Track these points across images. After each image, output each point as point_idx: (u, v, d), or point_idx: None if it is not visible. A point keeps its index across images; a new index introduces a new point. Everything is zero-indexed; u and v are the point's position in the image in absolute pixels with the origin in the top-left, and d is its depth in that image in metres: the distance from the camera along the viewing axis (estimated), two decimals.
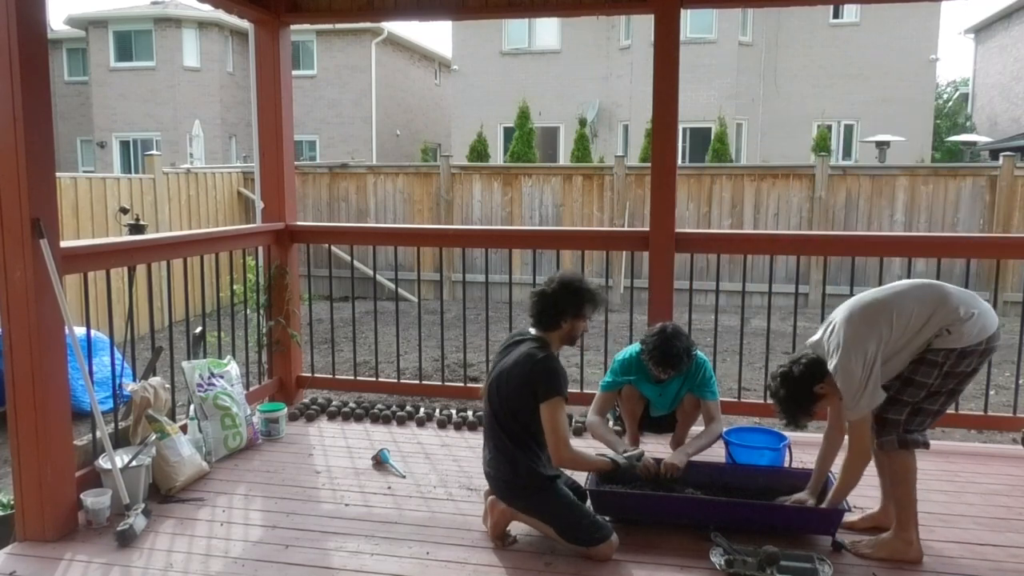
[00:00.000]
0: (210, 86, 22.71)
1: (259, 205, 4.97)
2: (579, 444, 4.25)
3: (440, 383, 5.24)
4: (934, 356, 2.81)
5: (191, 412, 4.00)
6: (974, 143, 21.70)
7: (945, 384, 2.86)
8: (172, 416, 3.94)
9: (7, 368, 3.03)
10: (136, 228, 5.06)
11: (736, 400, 4.71)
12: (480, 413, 4.56)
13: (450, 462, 4.00)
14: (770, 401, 3.11)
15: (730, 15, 18.95)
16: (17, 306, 3.00)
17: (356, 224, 11.45)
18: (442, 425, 4.54)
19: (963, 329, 2.79)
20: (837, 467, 3.17)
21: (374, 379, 5.27)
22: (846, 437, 3.01)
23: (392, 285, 10.73)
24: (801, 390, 2.95)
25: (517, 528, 3.21)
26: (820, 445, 3.21)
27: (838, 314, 2.95)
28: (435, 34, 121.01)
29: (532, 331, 3.16)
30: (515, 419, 3.05)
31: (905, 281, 3.01)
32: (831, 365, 2.88)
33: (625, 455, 3.26)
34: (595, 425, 3.79)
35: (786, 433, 3.97)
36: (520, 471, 3.03)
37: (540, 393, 2.98)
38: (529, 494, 3.03)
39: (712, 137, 16.59)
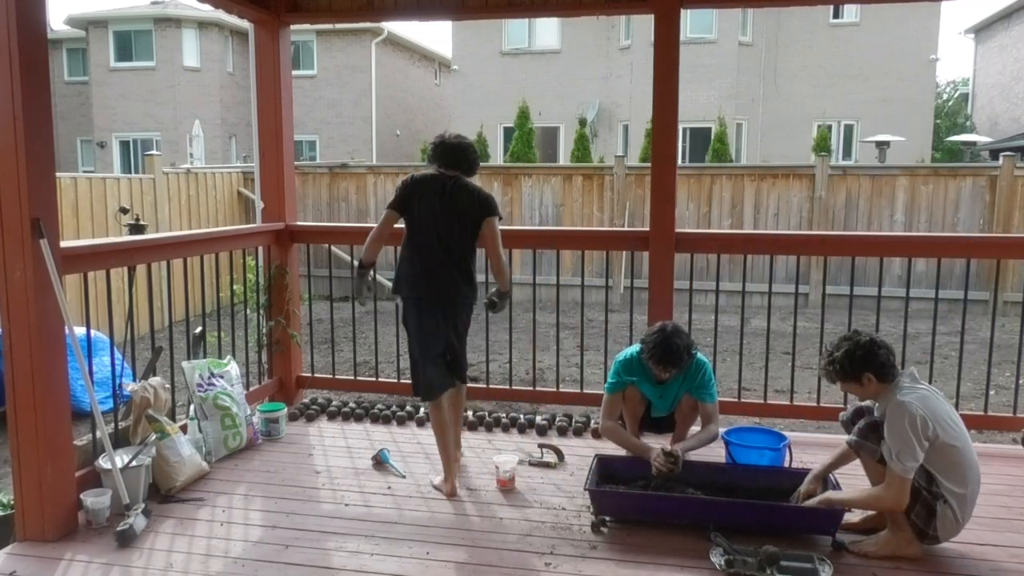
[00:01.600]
0: (210, 86, 22.70)
1: (259, 205, 4.97)
2: (579, 443, 4.26)
3: None
4: (929, 484, 2.90)
5: (191, 412, 4.01)
6: (974, 143, 21.69)
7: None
8: (172, 416, 3.94)
9: (7, 368, 3.04)
10: (136, 228, 5.06)
11: (736, 400, 4.71)
12: (480, 413, 4.57)
13: None
14: (830, 342, 3.11)
15: (730, 15, 18.95)
16: (17, 306, 3.00)
17: (356, 224, 11.42)
18: None
19: (950, 513, 2.89)
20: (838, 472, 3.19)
21: (374, 379, 5.27)
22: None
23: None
24: (858, 362, 2.97)
25: (515, 527, 3.22)
26: (835, 452, 3.23)
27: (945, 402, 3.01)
28: (435, 34, 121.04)
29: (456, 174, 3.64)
30: (467, 242, 3.65)
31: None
32: (907, 396, 2.89)
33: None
34: (612, 430, 3.79)
35: (786, 433, 3.98)
36: (473, 283, 3.73)
37: (490, 209, 3.63)
38: (470, 304, 3.76)
39: (712, 137, 16.58)
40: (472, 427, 4.50)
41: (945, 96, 31.26)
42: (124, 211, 5.95)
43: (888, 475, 2.86)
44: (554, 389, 5.04)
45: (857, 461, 3.10)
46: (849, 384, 3.04)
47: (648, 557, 3.00)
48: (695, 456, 3.70)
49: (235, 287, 4.95)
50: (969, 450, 2.95)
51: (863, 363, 2.96)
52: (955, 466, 2.89)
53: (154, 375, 3.96)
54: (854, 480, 3.21)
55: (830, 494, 3.12)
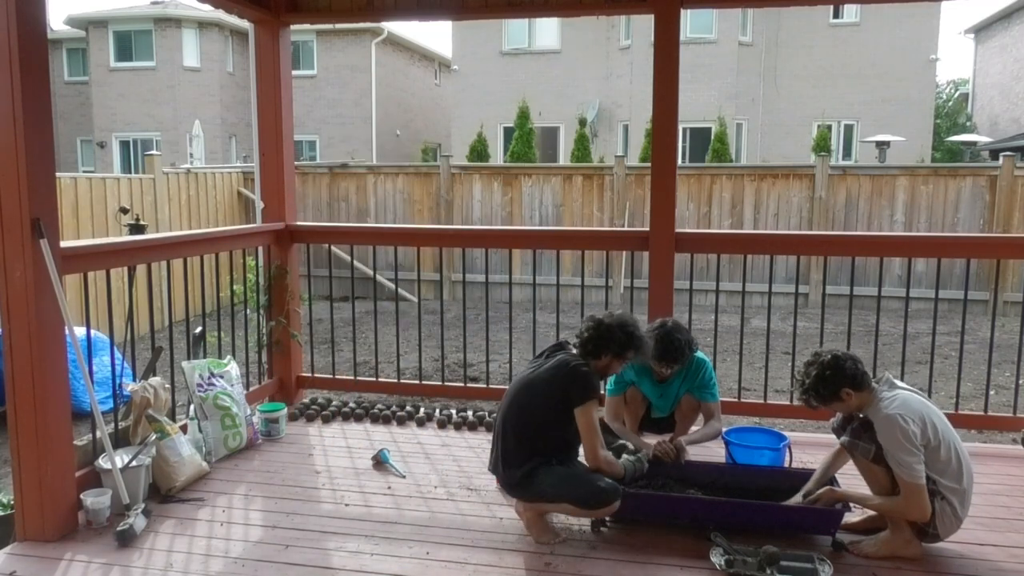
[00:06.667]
0: (210, 86, 22.70)
1: (259, 205, 4.97)
2: None
3: (440, 383, 5.24)
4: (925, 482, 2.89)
5: (191, 412, 4.00)
6: (974, 143, 21.70)
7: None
8: (172, 416, 3.94)
9: (7, 368, 3.03)
10: (136, 228, 5.07)
11: (736, 400, 4.71)
12: (480, 413, 4.57)
13: (450, 462, 4.00)
14: (798, 371, 3.09)
15: (730, 15, 18.95)
16: (17, 306, 3.00)
17: (356, 224, 11.45)
18: (442, 425, 4.54)
19: (949, 509, 2.89)
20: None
21: (374, 379, 5.26)
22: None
23: (392, 285, 10.72)
24: (830, 382, 2.94)
25: (515, 527, 3.22)
26: (830, 453, 3.20)
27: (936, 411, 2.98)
28: (435, 34, 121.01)
29: (573, 351, 3.23)
30: (538, 426, 3.10)
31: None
32: (890, 409, 2.87)
33: (630, 460, 3.27)
34: (617, 432, 3.80)
35: (786, 433, 3.98)
36: (518, 473, 3.09)
37: (575, 398, 3.05)
38: (525, 485, 3.09)
39: (712, 137, 16.58)
40: (472, 427, 4.50)
41: (945, 96, 31.24)
42: (124, 211, 5.95)
43: (902, 487, 2.85)
44: None
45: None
46: (831, 404, 3.02)
47: (648, 557, 2.99)
48: (695, 456, 3.70)
49: (235, 287, 4.95)
50: (957, 445, 2.95)
51: (835, 381, 2.94)
52: (947, 463, 2.89)
53: (154, 375, 3.96)
54: (854, 481, 3.20)
55: (844, 491, 3.11)
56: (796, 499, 3.19)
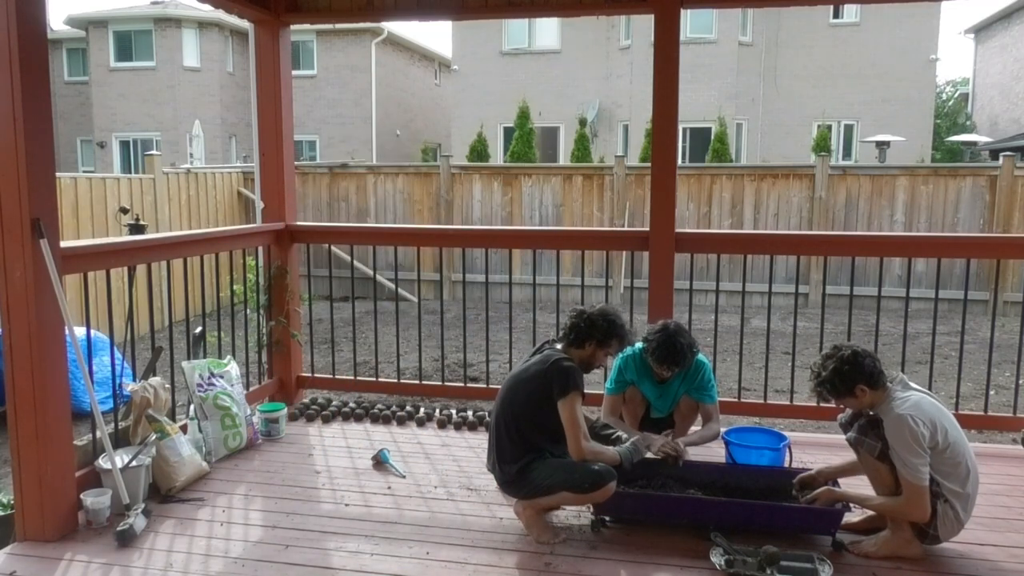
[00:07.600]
0: (210, 86, 22.70)
1: (259, 205, 4.97)
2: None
3: (440, 383, 5.24)
4: (929, 483, 2.88)
5: (191, 412, 4.01)
6: (974, 143, 21.70)
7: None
8: (172, 416, 3.94)
9: (7, 368, 3.03)
10: (136, 228, 5.07)
11: (736, 400, 4.71)
12: (480, 413, 4.57)
13: (450, 462, 4.00)
14: (815, 362, 3.08)
15: (730, 15, 18.95)
16: (17, 306, 3.00)
17: (356, 224, 11.45)
18: (442, 425, 4.54)
19: (951, 512, 2.89)
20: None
21: (374, 379, 5.26)
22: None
23: (392, 285, 10.72)
24: (847, 377, 2.93)
25: (515, 527, 3.22)
26: (846, 460, 3.21)
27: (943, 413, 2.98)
28: (435, 34, 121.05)
29: (558, 346, 3.29)
30: (528, 421, 3.15)
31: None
32: (902, 409, 2.86)
33: (625, 447, 3.26)
34: (612, 425, 3.80)
35: (786, 433, 3.98)
36: (514, 468, 3.14)
37: (556, 391, 3.09)
38: (521, 480, 3.13)
39: (712, 137, 16.58)
40: (472, 427, 4.50)
41: (945, 96, 31.24)
42: (124, 211, 5.96)
43: (905, 487, 2.85)
44: None
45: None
46: (844, 399, 3.02)
47: (648, 557, 3.00)
48: (695, 456, 3.70)
49: (235, 287, 4.95)
50: (966, 449, 2.94)
51: (852, 376, 2.93)
52: (955, 466, 2.89)
53: (154, 375, 3.96)
54: (855, 480, 3.20)
55: (843, 491, 3.10)
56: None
